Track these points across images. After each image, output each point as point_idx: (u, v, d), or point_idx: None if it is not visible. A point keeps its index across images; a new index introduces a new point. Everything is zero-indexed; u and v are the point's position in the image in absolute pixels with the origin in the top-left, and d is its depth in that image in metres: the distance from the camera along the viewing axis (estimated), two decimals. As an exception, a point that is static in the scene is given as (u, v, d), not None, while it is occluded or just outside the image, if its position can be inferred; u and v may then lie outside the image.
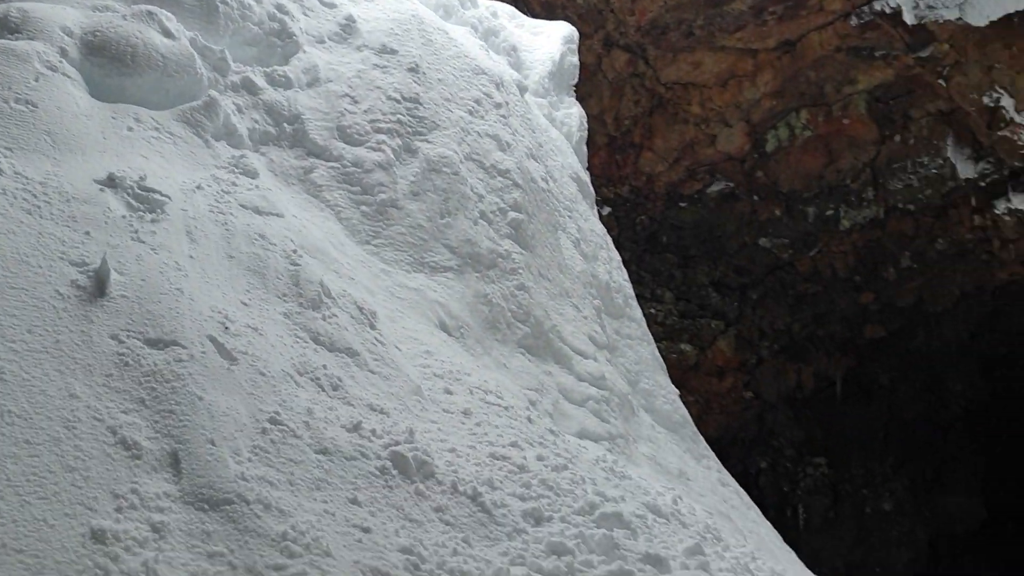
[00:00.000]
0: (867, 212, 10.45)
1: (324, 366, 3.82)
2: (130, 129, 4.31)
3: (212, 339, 3.51)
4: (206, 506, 2.89)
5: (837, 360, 12.29)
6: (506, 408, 4.51)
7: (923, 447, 13.31)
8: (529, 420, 4.56)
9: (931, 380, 13.23)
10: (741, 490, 6.67)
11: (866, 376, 12.72)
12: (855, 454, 12.65)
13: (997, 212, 9.82)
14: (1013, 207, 9.66)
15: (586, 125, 7.36)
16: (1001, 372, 14.07)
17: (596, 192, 7.83)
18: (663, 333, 11.35)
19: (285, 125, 5.09)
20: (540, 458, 4.14)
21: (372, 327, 4.33)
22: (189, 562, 2.72)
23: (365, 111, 5.32)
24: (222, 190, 4.39)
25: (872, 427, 12.79)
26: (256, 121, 5.00)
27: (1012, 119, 9.08)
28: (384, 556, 3.00)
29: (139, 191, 3.96)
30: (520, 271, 5.58)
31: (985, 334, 12.79)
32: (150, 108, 4.50)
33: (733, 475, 6.88)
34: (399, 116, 5.39)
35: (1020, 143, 9.17)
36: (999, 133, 9.26)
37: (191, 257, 3.89)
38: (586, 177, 7.00)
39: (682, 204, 10.96)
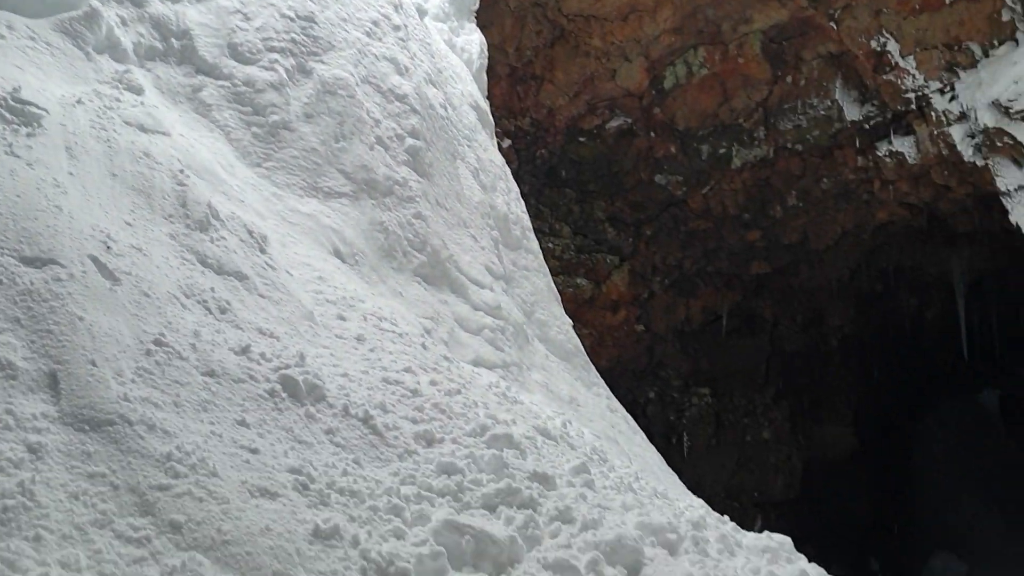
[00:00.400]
0: (758, 151, 10.71)
1: (212, 289, 3.74)
2: (2, 37, 4.06)
3: (93, 259, 3.39)
4: (87, 427, 2.83)
5: (724, 295, 12.70)
6: (400, 335, 4.51)
7: (802, 379, 13.96)
8: (424, 347, 4.59)
9: (812, 315, 13.83)
10: (628, 416, 6.89)
11: (751, 311, 13.20)
12: (738, 385, 13.18)
13: (879, 154, 10.19)
14: (894, 149, 10.04)
15: (486, 53, 7.28)
16: (876, 308, 14.81)
17: (496, 124, 7.80)
18: (560, 267, 11.50)
19: (173, 40, 4.88)
20: (433, 383, 4.17)
21: (262, 251, 4.26)
22: (68, 483, 2.67)
23: (257, 29, 5.14)
24: (104, 106, 4.20)
25: (755, 359, 13.33)
26: (142, 35, 4.77)
27: (897, 63, 9.38)
28: (273, 476, 3.00)
29: (13, 103, 3.75)
30: (417, 199, 5.54)
31: (863, 271, 13.40)
32: (25, 16, 4.24)
33: (623, 404, 7.09)
34: (293, 35, 5.23)
35: (903, 87, 9.51)
36: (884, 77, 9.57)
37: (71, 174, 3.73)
38: (486, 106, 6.96)
39: (581, 139, 11.02)
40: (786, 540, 4.05)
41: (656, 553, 3.37)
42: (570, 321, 7.13)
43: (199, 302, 3.64)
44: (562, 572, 3.06)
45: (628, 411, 7.13)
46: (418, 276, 5.36)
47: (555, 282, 7.49)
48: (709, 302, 12.81)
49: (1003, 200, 9.10)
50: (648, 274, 12.42)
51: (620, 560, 3.23)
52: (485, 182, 6.35)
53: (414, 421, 3.76)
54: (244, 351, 3.50)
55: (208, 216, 4.07)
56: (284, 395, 3.41)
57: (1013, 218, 9.01)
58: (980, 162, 9.10)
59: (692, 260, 12.36)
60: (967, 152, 9.16)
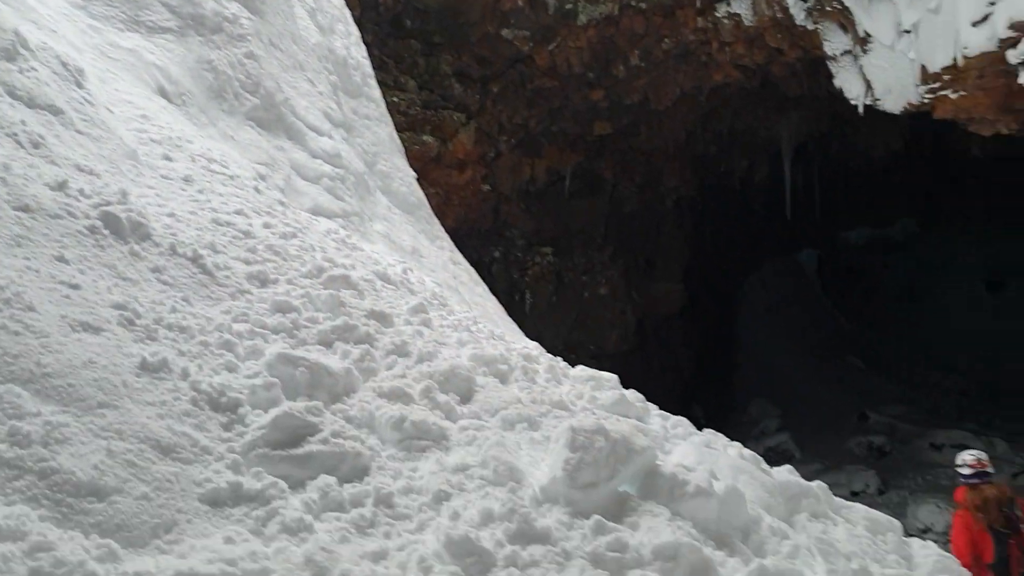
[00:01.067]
0: (603, 8, 10.68)
1: (23, 122, 3.49)
2: None
3: None
4: None
5: (568, 155, 12.89)
6: (232, 177, 4.38)
7: (638, 238, 14.51)
8: (257, 191, 4.47)
9: (649, 176, 14.27)
10: (472, 270, 7.00)
11: (592, 171, 13.49)
12: (578, 244, 13.57)
13: (718, 15, 10.37)
14: (732, 11, 10.23)
15: None
16: (710, 170, 15.43)
17: (335, -34, 7.41)
18: (406, 123, 11.30)
19: None
20: (267, 226, 4.10)
21: (79, 86, 3.98)
22: None
23: None
24: None
25: (594, 219, 13.72)
26: None
27: (739, -77, 9.46)
28: (95, 311, 2.91)
29: None
30: (249, 38, 5.28)
31: (699, 134, 13.85)
32: None
33: (469, 264, 7.18)
34: None
35: (744, -52, 9.64)
36: (726, -64, 9.66)
37: None
38: (322, -57, 6.60)
39: (427, -13, 10.68)
40: (613, 376, 4.27)
41: (487, 381, 3.51)
42: (413, 174, 7.09)
43: (8, 135, 3.39)
44: (397, 399, 3.15)
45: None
46: (251, 120, 5.16)
47: (401, 139, 7.38)
48: (553, 162, 12.98)
49: (829, 65, 9.51)
50: (494, 133, 12.41)
51: (453, 388, 3.35)
52: (323, 23, 6.10)
53: (247, 262, 3.70)
54: (61, 187, 3.31)
55: (16, 44, 3.75)
56: (106, 232, 3.26)
57: (837, 82, 9.46)
58: (810, 26, 9.42)
59: (537, 120, 12.41)
60: (799, 16, 9.44)
